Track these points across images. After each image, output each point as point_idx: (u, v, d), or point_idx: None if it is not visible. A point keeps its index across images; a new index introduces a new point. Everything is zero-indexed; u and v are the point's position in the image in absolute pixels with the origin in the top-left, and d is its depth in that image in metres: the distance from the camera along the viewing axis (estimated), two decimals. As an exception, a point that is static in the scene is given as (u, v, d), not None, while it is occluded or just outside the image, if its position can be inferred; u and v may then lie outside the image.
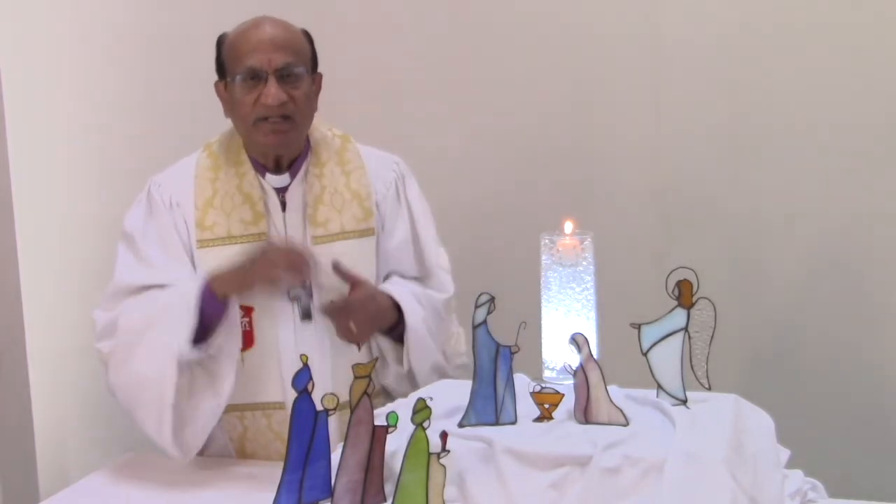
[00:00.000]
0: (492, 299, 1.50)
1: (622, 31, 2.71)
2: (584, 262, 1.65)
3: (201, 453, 2.04)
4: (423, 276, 2.09)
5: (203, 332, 1.87)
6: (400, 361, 2.01)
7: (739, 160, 2.68)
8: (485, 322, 1.50)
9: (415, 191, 2.12)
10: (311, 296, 1.92)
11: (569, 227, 1.67)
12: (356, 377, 1.38)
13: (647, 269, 2.63)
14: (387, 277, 2.07)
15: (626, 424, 1.49)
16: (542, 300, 1.66)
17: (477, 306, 1.50)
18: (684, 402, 1.54)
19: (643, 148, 2.73)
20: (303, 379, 1.36)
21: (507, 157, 2.80)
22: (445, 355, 2.05)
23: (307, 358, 1.38)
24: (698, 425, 1.46)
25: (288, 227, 2.00)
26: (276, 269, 1.83)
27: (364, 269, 2.01)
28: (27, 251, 2.42)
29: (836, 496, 1.63)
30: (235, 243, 1.96)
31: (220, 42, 1.98)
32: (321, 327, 1.96)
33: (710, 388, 1.58)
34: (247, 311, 1.94)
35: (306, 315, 1.89)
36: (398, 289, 2.01)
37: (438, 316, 2.03)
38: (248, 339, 1.95)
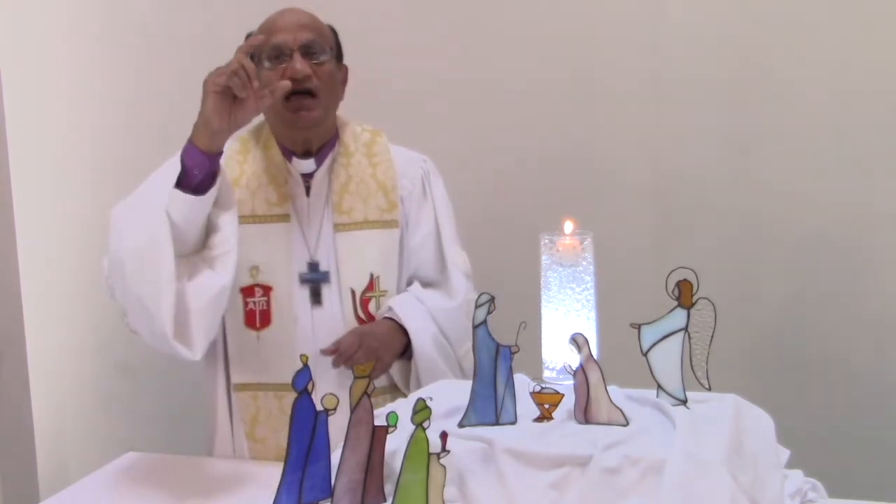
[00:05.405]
0: (492, 299, 1.49)
1: (623, 30, 2.71)
2: (584, 262, 1.65)
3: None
4: (441, 280, 2.10)
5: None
6: (407, 385, 2.04)
7: (739, 159, 2.68)
8: (485, 322, 1.50)
9: (440, 189, 2.14)
10: (320, 281, 1.98)
11: (569, 227, 1.67)
12: (356, 377, 1.37)
13: (647, 269, 2.63)
14: (409, 282, 2.09)
15: (626, 424, 1.49)
16: (542, 300, 1.66)
17: (477, 306, 1.50)
18: (684, 402, 1.54)
19: (643, 148, 2.73)
20: (303, 379, 1.36)
21: (507, 157, 2.80)
22: (461, 368, 2.06)
23: (307, 358, 1.38)
24: (698, 425, 1.46)
25: (311, 212, 2.02)
26: (218, 76, 1.73)
27: (387, 262, 2.03)
28: (27, 252, 2.43)
29: (836, 496, 1.63)
30: (259, 222, 1.98)
31: (248, 37, 1.97)
32: (336, 312, 1.99)
33: (710, 388, 1.57)
34: (265, 290, 1.96)
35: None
36: (409, 310, 2.01)
37: (457, 326, 2.03)
38: (264, 319, 1.96)
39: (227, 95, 1.75)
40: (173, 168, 1.77)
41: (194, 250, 1.82)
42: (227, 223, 1.82)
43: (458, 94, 2.79)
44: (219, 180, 1.80)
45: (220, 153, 1.80)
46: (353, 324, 2.00)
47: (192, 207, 1.76)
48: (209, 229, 1.82)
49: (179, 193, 1.75)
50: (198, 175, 1.77)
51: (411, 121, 2.49)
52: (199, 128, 1.77)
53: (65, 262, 2.59)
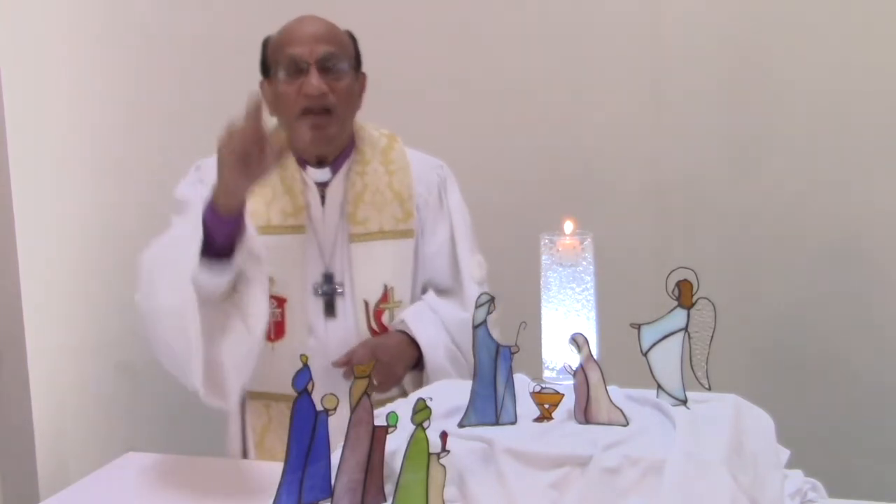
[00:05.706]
0: (492, 299, 1.49)
1: (622, 30, 2.71)
2: (584, 262, 1.64)
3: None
4: (454, 288, 2.08)
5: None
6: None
7: (739, 159, 2.68)
8: (485, 322, 1.50)
9: (456, 197, 2.12)
10: (334, 292, 1.97)
11: (569, 227, 1.67)
12: (356, 377, 1.37)
13: (647, 269, 2.63)
14: (424, 289, 2.08)
15: (626, 424, 1.49)
16: (542, 300, 1.66)
17: (477, 306, 1.50)
18: (684, 402, 1.54)
19: (643, 147, 2.73)
20: (303, 379, 1.36)
21: (507, 157, 2.80)
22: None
23: (307, 358, 1.38)
24: (698, 425, 1.46)
25: (326, 223, 2.00)
26: (231, 142, 1.69)
27: (402, 272, 2.02)
28: (27, 252, 2.42)
29: (836, 496, 1.63)
30: (274, 233, 1.95)
31: (265, 43, 1.99)
32: (349, 323, 1.98)
33: (710, 388, 1.57)
34: (279, 301, 1.94)
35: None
36: (421, 322, 2.00)
37: (470, 337, 2.02)
38: (279, 330, 1.95)
39: (242, 158, 1.70)
40: (197, 226, 1.73)
41: (223, 298, 1.80)
42: (258, 281, 1.79)
43: (458, 94, 2.79)
44: (245, 237, 1.76)
45: (242, 212, 1.76)
46: (366, 335, 1.99)
47: (217, 272, 1.74)
48: (238, 278, 1.79)
49: (205, 262, 1.72)
50: (219, 239, 1.74)
51: (411, 121, 2.49)
52: (218, 193, 1.73)
53: (65, 262, 2.58)
